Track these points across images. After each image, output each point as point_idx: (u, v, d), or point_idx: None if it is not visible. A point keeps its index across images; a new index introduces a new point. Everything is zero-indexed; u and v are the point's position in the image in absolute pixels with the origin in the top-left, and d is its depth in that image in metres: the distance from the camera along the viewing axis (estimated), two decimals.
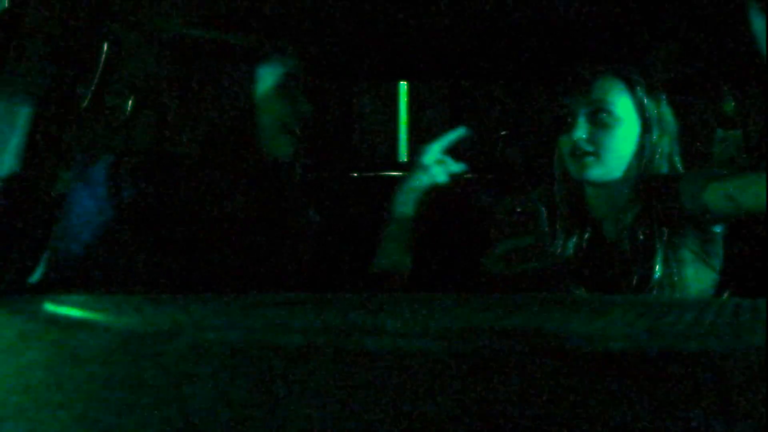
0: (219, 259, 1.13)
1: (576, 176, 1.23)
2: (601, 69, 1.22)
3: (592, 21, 1.37)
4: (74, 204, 1.11)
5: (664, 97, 1.24)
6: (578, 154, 1.20)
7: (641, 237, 1.19)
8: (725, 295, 1.20)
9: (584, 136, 1.19)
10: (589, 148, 1.19)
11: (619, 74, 1.22)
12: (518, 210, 1.09)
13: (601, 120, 1.19)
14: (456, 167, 1.21)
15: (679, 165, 1.24)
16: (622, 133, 1.20)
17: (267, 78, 1.13)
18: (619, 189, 1.22)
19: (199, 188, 1.14)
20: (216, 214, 1.14)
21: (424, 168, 1.19)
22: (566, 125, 1.22)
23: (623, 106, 1.21)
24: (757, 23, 0.87)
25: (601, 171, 1.20)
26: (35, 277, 1.04)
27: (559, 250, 1.26)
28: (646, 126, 1.21)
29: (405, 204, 1.20)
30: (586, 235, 1.26)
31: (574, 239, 1.26)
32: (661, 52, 1.47)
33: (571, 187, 1.27)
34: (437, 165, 1.19)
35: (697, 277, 1.19)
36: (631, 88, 1.21)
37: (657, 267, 1.17)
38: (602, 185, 1.23)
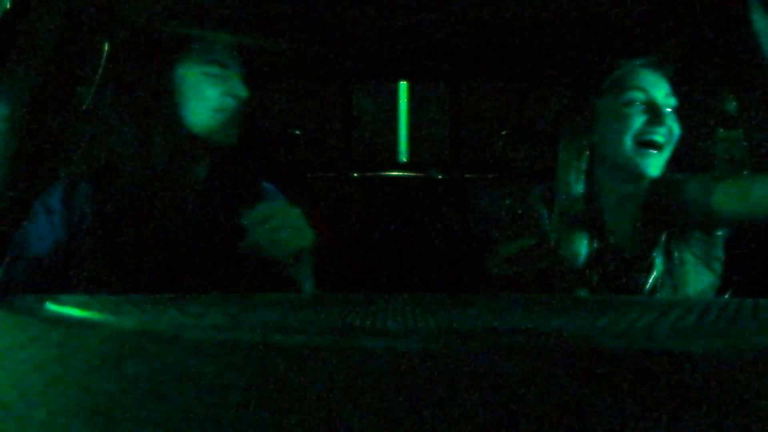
0: (183, 261, 1.12)
1: (642, 172, 1.18)
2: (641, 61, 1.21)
3: (593, 21, 1.37)
4: (32, 216, 1.10)
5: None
6: (649, 147, 1.15)
7: (644, 238, 1.18)
8: (727, 296, 1.19)
9: (657, 128, 1.15)
10: (660, 140, 1.15)
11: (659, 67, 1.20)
12: (519, 212, 1.08)
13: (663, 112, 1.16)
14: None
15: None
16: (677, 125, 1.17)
17: (190, 66, 1.13)
18: (626, 189, 1.21)
19: (148, 193, 1.13)
20: (169, 214, 1.13)
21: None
22: (624, 121, 1.17)
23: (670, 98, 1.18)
24: (758, 22, 0.86)
25: (662, 164, 1.18)
26: None
27: (562, 251, 1.25)
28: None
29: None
30: (591, 236, 1.25)
31: (578, 240, 1.26)
32: (663, 51, 1.47)
33: (576, 187, 1.26)
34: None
35: (698, 280, 1.18)
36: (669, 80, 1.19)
37: (659, 269, 1.16)
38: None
